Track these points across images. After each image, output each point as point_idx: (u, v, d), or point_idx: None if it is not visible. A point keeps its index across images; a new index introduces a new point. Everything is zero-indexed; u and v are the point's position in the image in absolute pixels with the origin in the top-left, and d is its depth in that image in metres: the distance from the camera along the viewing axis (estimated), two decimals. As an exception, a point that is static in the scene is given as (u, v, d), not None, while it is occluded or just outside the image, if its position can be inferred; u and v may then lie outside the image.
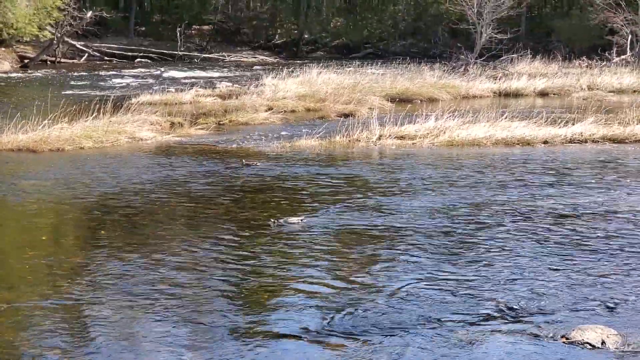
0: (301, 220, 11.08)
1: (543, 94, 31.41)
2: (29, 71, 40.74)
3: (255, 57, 51.92)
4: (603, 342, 6.93)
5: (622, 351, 6.85)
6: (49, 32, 44.90)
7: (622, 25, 41.93)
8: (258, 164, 15.67)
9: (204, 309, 7.80)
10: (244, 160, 15.85)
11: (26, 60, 44.14)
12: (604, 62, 38.88)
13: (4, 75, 38.29)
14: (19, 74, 39.00)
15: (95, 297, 8.04)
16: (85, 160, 15.94)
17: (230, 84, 32.60)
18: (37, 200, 12.46)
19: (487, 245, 10.01)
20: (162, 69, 42.06)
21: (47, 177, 14.16)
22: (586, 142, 18.65)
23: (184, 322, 7.44)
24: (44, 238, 10.46)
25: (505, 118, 19.83)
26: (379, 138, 18.54)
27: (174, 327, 7.30)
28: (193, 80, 34.34)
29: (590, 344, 6.89)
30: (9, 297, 8.04)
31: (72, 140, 17.28)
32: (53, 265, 9.12)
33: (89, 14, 45.80)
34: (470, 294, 8.18)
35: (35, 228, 10.96)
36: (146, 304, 7.82)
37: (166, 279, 8.61)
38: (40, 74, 38.76)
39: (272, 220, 10.98)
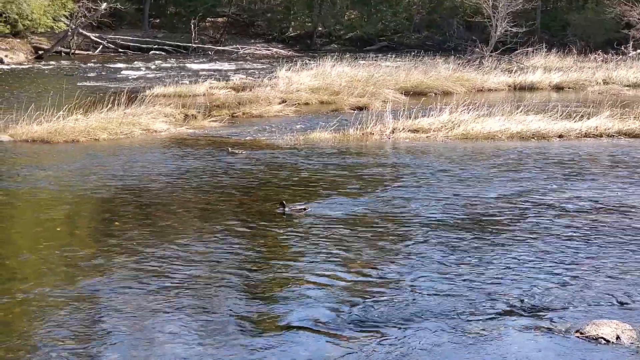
0: (305, 208, 11.26)
1: (558, 87, 31.28)
2: (44, 62, 40.83)
3: (269, 50, 51.86)
4: (618, 337, 6.90)
5: (638, 347, 6.82)
6: (64, 23, 44.96)
7: (639, 19, 41.67)
8: (243, 152, 15.94)
9: (217, 300, 7.81)
10: (229, 148, 16.11)
11: (41, 52, 44.20)
12: (620, 56, 38.63)
13: (19, 66, 38.39)
14: (34, 65, 39.09)
15: (108, 288, 8.06)
16: (100, 152, 15.98)
17: (244, 76, 32.59)
18: (51, 191, 12.50)
19: (501, 239, 9.98)
20: (176, 61, 42.10)
21: (62, 169, 14.19)
22: (601, 136, 18.56)
23: (196, 313, 7.45)
24: (58, 229, 10.49)
25: (521, 111, 19.76)
26: (393, 131, 18.51)
27: (186, 318, 7.31)
28: (207, 72, 34.36)
29: (604, 339, 6.87)
30: (23, 288, 8.06)
31: (87, 132, 17.32)
32: (67, 256, 9.14)
33: (104, 5, 45.81)
34: (484, 288, 8.15)
35: (49, 219, 10.99)
36: (159, 296, 7.83)
37: (179, 270, 8.62)
38: (54, 66, 38.84)
39: (282, 207, 11.14)
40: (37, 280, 8.33)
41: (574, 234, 10.21)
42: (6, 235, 10.28)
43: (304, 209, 11.25)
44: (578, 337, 6.95)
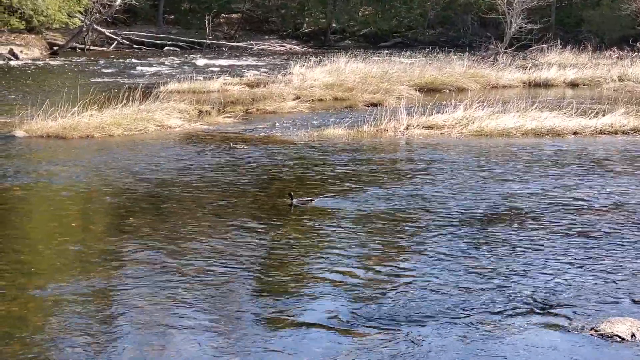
0: (311, 200, 11.56)
1: (573, 84, 31.16)
2: (58, 58, 40.95)
3: (283, 46, 51.86)
4: (633, 335, 6.87)
5: (653, 344, 6.79)
6: (79, 19, 45.10)
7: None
8: (245, 147, 16.08)
9: (232, 296, 7.82)
10: (231, 143, 16.28)
11: (55, 48, 44.34)
12: (636, 53, 38.41)
13: (34, 62, 38.53)
14: (49, 61, 39.21)
15: (123, 283, 8.09)
16: (114, 148, 16.02)
17: (258, 72, 32.60)
18: (66, 187, 12.53)
19: (516, 236, 9.95)
20: (190, 57, 42.16)
21: (77, 164, 14.23)
22: (616, 133, 18.48)
23: (211, 309, 7.46)
24: (73, 225, 10.52)
25: (535, 108, 19.69)
26: (407, 128, 18.47)
27: (201, 314, 7.32)
28: (221, 68, 34.39)
29: (619, 337, 6.84)
30: (38, 283, 8.09)
31: (102, 128, 17.37)
32: (82, 251, 9.18)
33: (118, 1, 45.94)
34: (499, 286, 8.13)
35: (64, 215, 11.03)
36: (173, 291, 7.85)
37: (193, 266, 8.63)
38: (69, 62, 38.95)
39: (290, 199, 11.46)
40: (52, 275, 8.36)
41: (592, 232, 10.17)
42: (22, 230, 10.32)
43: (311, 201, 11.51)
44: (593, 334, 6.93)
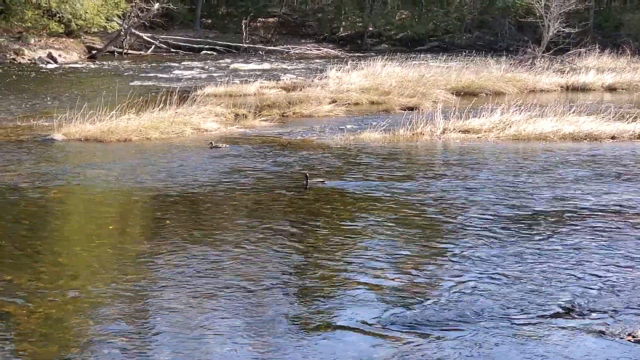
0: (323, 181, 12.98)
1: (611, 88, 30.86)
2: (97, 62, 41.33)
3: (319, 50, 51.93)
4: (671, 342, 6.80)
5: (691, 351, 6.71)
6: (117, 23, 45.51)
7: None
8: (227, 146, 16.45)
9: (266, 300, 7.84)
10: (212, 142, 16.66)
11: (94, 51, 44.76)
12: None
13: (73, 65, 38.92)
14: (87, 65, 39.60)
15: (159, 286, 8.14)
16: (152, 151, 16.13)
17: (294, 76, 32.68)
18: (104, 189, 12.65)
19: (553, 240, 9.88)
20: (227, 61, 42.34)
21: (115, 167, 14.35)
22: (655, 138, 18.30)
23: (246, 312, 7.48)
24: (110, 227, 10.62)
25: (573, 112, 19.54)
26: (443, 132, 18.42)
27: (236, 317, 7.35)
28: (257, 72, 34.50)
29: (658, 343, 6.77)
30: (76, 284, 8.18)
31: (139, 131, 17.49)
32: (119, 254, 9.25)
33: (156, 5, 46.24)
34: (535, 290, 8.08)
35: (102, 217, 11.13)
36: (209, 294, 7.89)
37: (229, 269, 8.67)
38: (107, 65, 39.30)
39: (306, 180, 12.81)
40: (90, 277, 8.44)
41: (630, 237, 10.07)
42: (60, 232, 10.43)
43: (323, 182, 12.77)
44: (630, 340, 6.87)
